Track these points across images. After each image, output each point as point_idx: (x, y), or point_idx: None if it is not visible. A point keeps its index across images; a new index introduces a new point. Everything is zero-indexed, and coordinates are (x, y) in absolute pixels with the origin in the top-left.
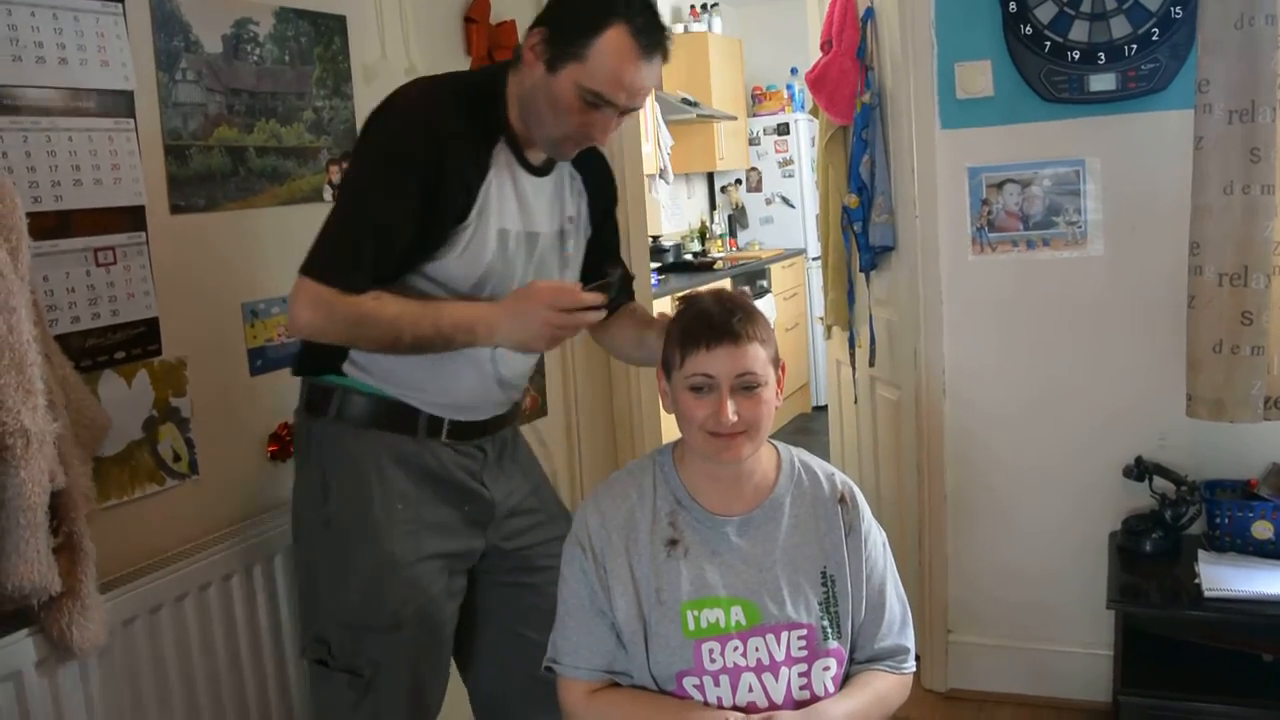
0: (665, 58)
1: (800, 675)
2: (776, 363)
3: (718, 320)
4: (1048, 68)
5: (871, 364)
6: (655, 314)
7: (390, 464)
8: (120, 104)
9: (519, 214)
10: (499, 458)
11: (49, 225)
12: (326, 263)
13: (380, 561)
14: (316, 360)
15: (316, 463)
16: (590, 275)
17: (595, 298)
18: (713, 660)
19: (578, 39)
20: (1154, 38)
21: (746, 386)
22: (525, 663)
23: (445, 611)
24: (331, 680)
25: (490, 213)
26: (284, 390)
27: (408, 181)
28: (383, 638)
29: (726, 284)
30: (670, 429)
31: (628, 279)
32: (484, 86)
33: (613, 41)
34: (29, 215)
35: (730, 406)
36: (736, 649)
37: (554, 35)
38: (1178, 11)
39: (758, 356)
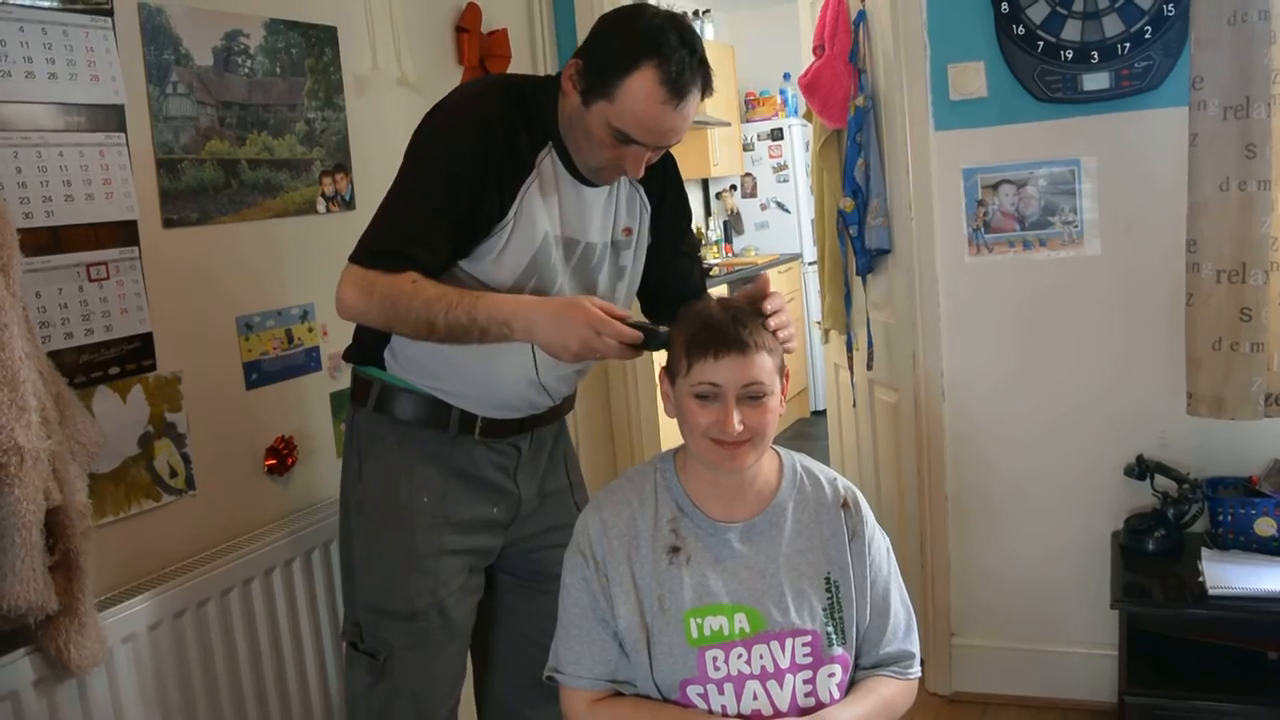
0: (705, 94)
1: (805, 682)
2: (782, 371)
3: (725, 329)
4: (1041, 67)
5: (870, 367)
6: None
7: (421, 459)
8: (111, 118)
9: (561, 220)
10: (535, 454)
11: (41, 241)
12: (368, 245)
13: (402, 551)
14: (361, 349)
15: (355, 448)
16: (659, 295)
17: (634, 335)
18: (717, 668)
19: (607, 77)
20: (1147, 35)
21: (753, 396)
22: (530, 665)
23: (464, 607)
24: (356, 662)
25: (536, 215)
26: (280, 404)
27: (455, 168)
28: (400, 625)
29: (723, 290)
30: (668, 436)
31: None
32: (538, 94)
33: (641, 84)
34: (20, 231)
35: (736, 416)
36: (741, 656)
37: (587, 69)
38: (1170, 9)
39: (764, 366)
